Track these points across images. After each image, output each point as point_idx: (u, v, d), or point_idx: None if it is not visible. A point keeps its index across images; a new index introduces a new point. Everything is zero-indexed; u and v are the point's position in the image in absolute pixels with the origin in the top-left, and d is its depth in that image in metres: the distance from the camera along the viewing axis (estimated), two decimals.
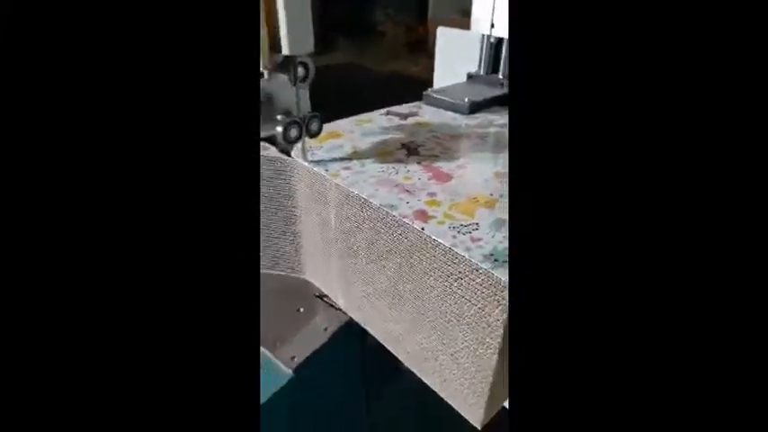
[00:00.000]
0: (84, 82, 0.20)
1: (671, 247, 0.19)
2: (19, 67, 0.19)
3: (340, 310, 0.54)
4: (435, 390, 0.44)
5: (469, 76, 0.79)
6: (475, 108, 0.66)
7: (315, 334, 0.52)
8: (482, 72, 0.79)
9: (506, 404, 0.44)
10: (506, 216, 0.38)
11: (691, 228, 0.19)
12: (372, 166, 0.47)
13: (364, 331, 0.51)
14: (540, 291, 0.21)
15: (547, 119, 0.21)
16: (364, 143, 0.54)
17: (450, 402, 0.43)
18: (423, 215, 0.38)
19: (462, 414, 0.42)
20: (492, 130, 0.60)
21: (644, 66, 0.19)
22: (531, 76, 0.21)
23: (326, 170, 0.46)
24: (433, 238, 0.35)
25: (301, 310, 0.55)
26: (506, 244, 0.34)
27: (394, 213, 0.38)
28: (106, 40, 0.20)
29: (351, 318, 0.53)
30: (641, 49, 0.19)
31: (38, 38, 0.20)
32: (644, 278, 0.19)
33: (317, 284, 0.56)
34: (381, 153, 0.51)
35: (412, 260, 0.38)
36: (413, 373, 0.46)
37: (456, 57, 0.88)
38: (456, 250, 0.34)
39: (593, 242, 0.20)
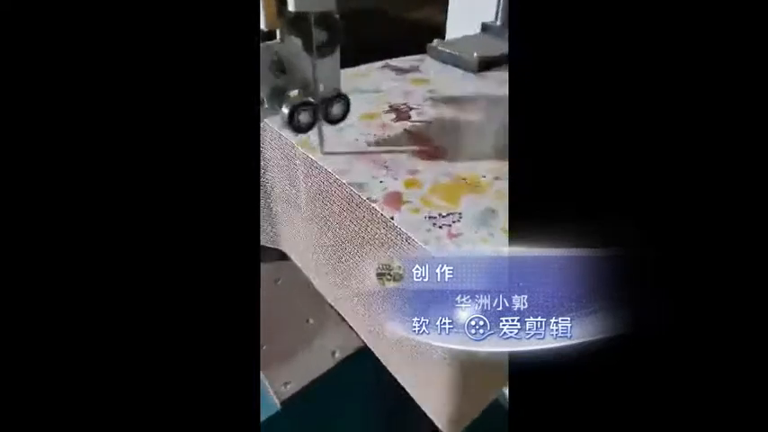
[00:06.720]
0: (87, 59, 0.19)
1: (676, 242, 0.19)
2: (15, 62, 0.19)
3: (354, 330, 0.45)
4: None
5: (484, 27, 0.69)
6: (485, 65, 0.57)
7: (320, 357, 0.44)
8: (498, 23, 0.68)
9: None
10: (497, 205, 0.31)
11: (692, 213, 0.19)
12: (351, 133, 0.40)
13: (381, 366, 0.41)
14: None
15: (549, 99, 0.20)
16: None
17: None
18: (396, 199, 0.32)
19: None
20: (502, 92, 0.52)
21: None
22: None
23: (296, 135, 0.39)
24: (403, 230, 0.29)
25: (311, 321, 0.48)
26: (492, 243, 0.28)
27: (362, 196, 0.32)
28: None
29: (365, 344, 0.43)
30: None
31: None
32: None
33: (292, 258, 0.51)
34: (364, 116, 0.44)
35: (379, 252, 0.33)
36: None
37: (473, 3, 0.77)
38: (426, 248, 0.28)
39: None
